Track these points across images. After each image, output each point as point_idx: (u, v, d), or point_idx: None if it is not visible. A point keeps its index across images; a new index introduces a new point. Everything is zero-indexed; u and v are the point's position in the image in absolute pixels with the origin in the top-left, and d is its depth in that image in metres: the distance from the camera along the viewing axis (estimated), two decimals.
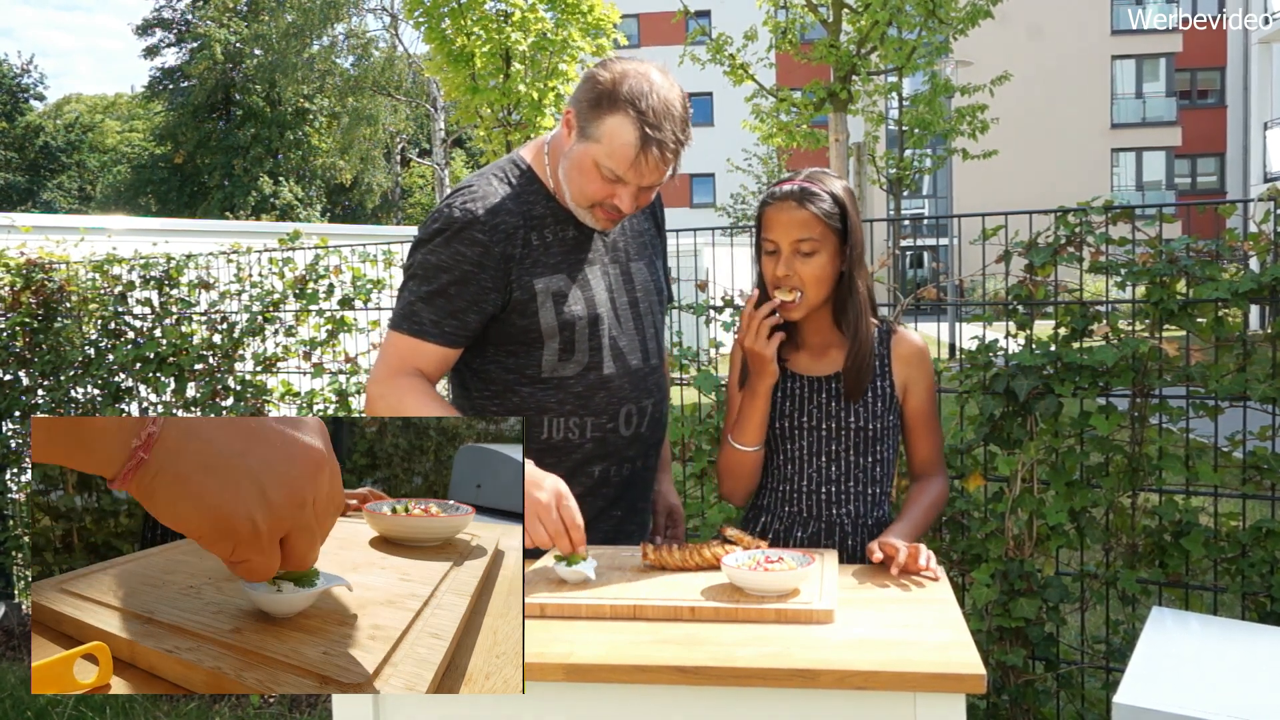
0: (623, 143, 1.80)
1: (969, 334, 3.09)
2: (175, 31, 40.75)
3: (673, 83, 1.86)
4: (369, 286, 3.84)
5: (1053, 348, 2.76)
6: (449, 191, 1.97)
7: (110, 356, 4.34)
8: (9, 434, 4.79)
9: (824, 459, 2.04)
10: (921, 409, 2.08)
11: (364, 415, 3.84)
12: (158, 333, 4.22)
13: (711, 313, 3.25)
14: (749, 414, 2.03)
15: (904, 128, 17.51)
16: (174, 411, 4.14)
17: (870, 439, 2.03)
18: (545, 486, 1.71)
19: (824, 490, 2.04)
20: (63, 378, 4.51)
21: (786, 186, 1.98)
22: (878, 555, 1.79)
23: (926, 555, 1.76)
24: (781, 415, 2.06)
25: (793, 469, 2.06)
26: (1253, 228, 2.69)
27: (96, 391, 4.43)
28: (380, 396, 1.88)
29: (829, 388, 2.04)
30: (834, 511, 2.04)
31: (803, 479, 2.06)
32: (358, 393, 3.80)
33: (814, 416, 2.04)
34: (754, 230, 2.03)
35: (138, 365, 4.20)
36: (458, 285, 1.87)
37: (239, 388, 4.01)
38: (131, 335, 4.34)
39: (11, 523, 4.87)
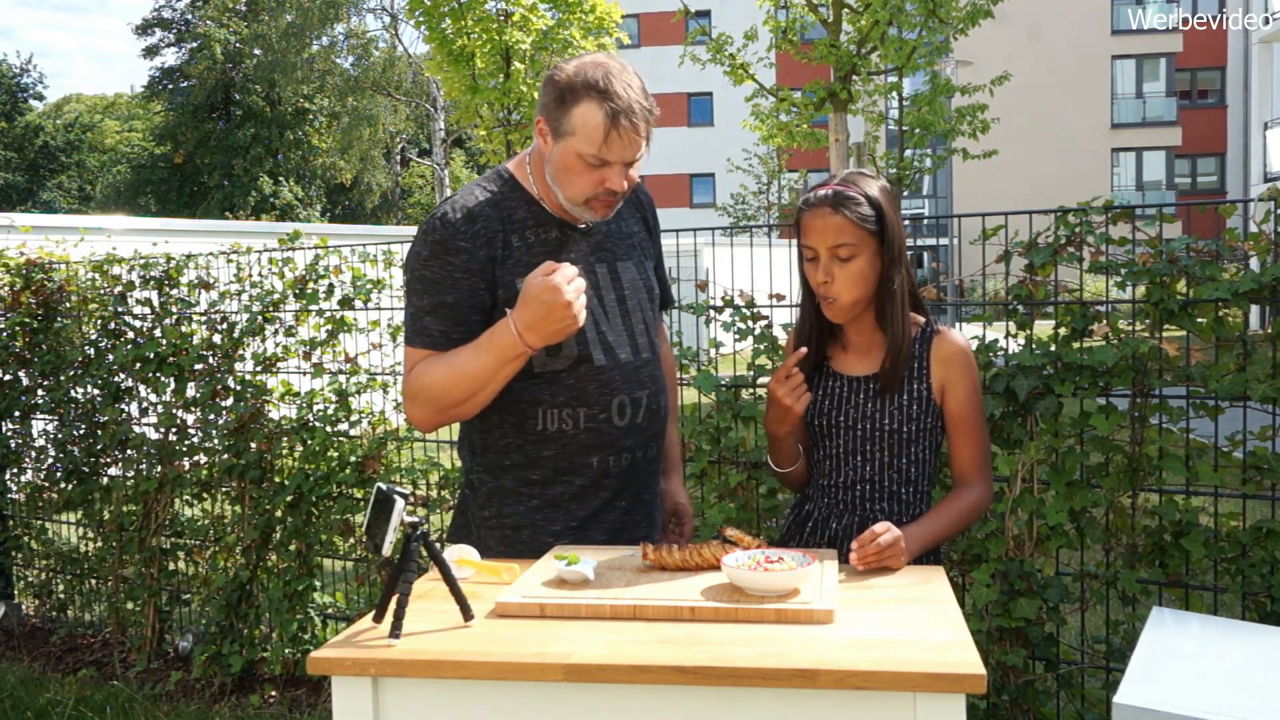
0: (594, 124, 1.88)
1: (969, 334, 3.08)
2: (175, 31, 40.74)
3: (625, 65, 1.95)
4: (369, 286, 3.84)
5: (1053, 348, 2.76)
6: (438, 203, 2.02)
7: (110, 356, 4.34)
8: (9, 434, 4.79)
9: (859, 458, 2.06)
10: (960, 412, 2.04)
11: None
12: (158, 333, 4.22)
13: (711, 313, 3.25)
14: (774, 445, 2.12)
15: (904, 128, 17.50)
16: (174, 411, 4.14)
17: (904, 441, 2.03)
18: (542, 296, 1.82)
19: (858, 488, 2.06)
20: (63, 378, 4.51)
21: (822, 191, 1.97)
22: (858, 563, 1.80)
23: (886, 538, 1.77)
24: (821, 413, 2.09)
25: (830, 465, 2.10)
26: (1253, 228, 2.69)
27: (96, 391, 4.43)
28: (412, 391, 1.98)
29: (867, 388, 2.05)
30: (868, 508, 2.05)
31: (839, 475, 2.08)
32: (357, 393, 3.80)
33: (850, 416, 2.05)
34: (794, 234, 2.05)
35: (138, 365, 4.20)
36: (455, 293, 1.95)
37: (239, 388, 4.01)
38: (131, 335, 4.34)
39: (11, 523, 4.87)
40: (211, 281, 4.21)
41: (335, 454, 3.78)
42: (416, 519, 1.57)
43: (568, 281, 1.81)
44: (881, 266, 1.98)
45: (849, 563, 1.82)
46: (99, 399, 4.40)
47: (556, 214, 2.03)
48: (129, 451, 4.33)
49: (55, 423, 4.61)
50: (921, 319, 2.08)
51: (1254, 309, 2.71)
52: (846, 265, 1.95)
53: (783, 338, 2.91)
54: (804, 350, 1.99)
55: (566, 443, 2.02)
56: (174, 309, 4.23)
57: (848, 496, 2.07)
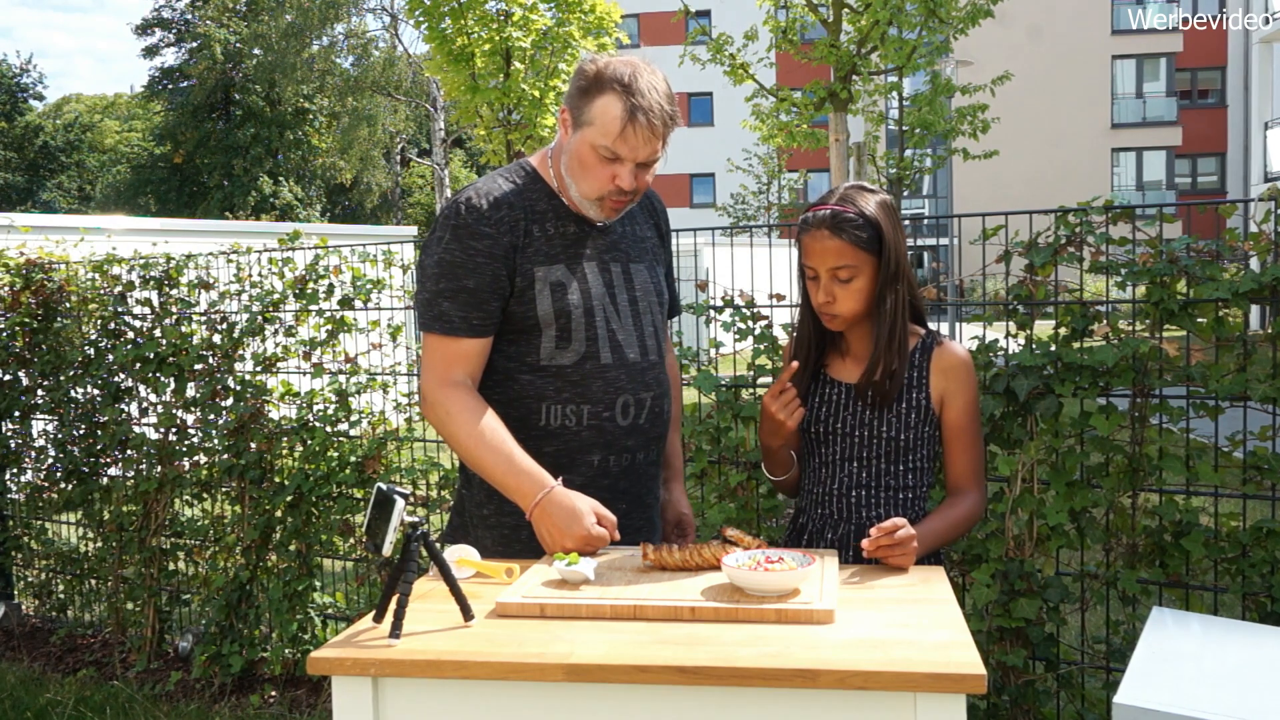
0: (612, 116, 1.90)
1: (969, 334, 3.09)
2: (175, 31, 40.71)
3: (655, 69, 1.97)
4: (369, 286, 3.84)
5: (1053, 348, 2.75)
6: (460, 189, 2.04)
7: (110, 356, 4.33)
8: (9, 434, 4.79)
9: (855, 465, 2.06)
10: (958, 422, 2.05)
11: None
12: (157, 333, 4.21)
13: (711, 313, 3.25)
14: (768, 456, 2.12)
15: (904, 128, 17.51)
16: (174, 411, 4.14)
17: (902, 449, 2.03)
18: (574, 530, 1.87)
19: (854, 494, 2.06)
20: (62, 378, 4.51)
21: (820, 212, 1.98)
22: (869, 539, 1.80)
23: (903, 533, 1.78)
24: (817, 420, 2.08)
25: (826, 472, 2.09)
26: (1253, 228, 2.69)
27: (96, 391, 4.43)
28: (436, 404, 2.00)
29: (864, 396, 2.04)
30: (864, 515, 2.05)
31: (835, 482, 2.08)
32: (357, 393, 3.80)
33: (847, 423, 2.05)
34: (796, 248, 2.06)
35: (137, 365, 4.20)
36: (476, 278, 1.97)
37: (239, 388, 4.01)
38: (131, 335, 4.34)
39: (11, 523, 4.87)
40: (211, 281, 4.21)
41: (335, 454, 3.78)
42: (416, 519, 1.57)
43: (592, 538, 1.86)
44: (881, 283, 1.98)
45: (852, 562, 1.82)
46: (99, 399, 4.40)
47: (575, 210, 2.05)
48: (129, 451, 4.33)
49: (55, 423, 4.61)
50: (922, 330, 2.08)
51: (1254, 309, 2.71)
52: (847, 285, 1.97)
53: (783, 338, 2.91)
54: (795, 365, 2.01)
55: (569, 439, 2.02)
56: (174, 309, 4.23)
57: (844, 503, 2.07)
